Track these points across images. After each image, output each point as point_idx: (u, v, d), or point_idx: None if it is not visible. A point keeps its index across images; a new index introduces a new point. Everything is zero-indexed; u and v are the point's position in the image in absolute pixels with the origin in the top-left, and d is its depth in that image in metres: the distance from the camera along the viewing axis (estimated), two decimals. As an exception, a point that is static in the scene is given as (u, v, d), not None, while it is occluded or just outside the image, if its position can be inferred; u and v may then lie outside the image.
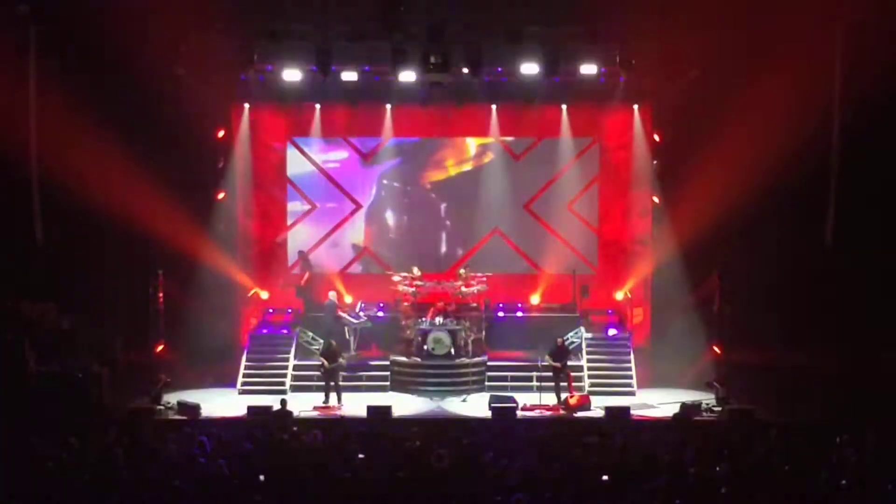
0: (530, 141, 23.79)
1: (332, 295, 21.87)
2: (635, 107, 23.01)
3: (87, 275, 20.76)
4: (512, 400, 19.12)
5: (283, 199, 23.86)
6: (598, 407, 19.22)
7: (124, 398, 19.20)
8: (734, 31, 19.46)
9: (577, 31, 20.30)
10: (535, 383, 19.90)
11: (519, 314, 23.02)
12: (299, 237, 23.84)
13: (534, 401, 19.40)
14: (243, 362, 21.15)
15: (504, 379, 20.75)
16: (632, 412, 18.54)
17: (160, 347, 20.12)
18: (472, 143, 23.96)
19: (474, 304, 22.00)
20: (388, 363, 21.19)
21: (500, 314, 22.86)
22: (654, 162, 22.80)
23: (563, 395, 19.48)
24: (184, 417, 18.37)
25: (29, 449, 13.07)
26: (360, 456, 12.99)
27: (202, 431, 14.30)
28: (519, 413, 18.66)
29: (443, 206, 24.08)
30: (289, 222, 23.87)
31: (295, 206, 23.83)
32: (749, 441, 14.38)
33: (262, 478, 11.83)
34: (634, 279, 23.14)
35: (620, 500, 11.04)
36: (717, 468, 12.24)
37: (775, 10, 19.04)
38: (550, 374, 19.64)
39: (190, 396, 19.52)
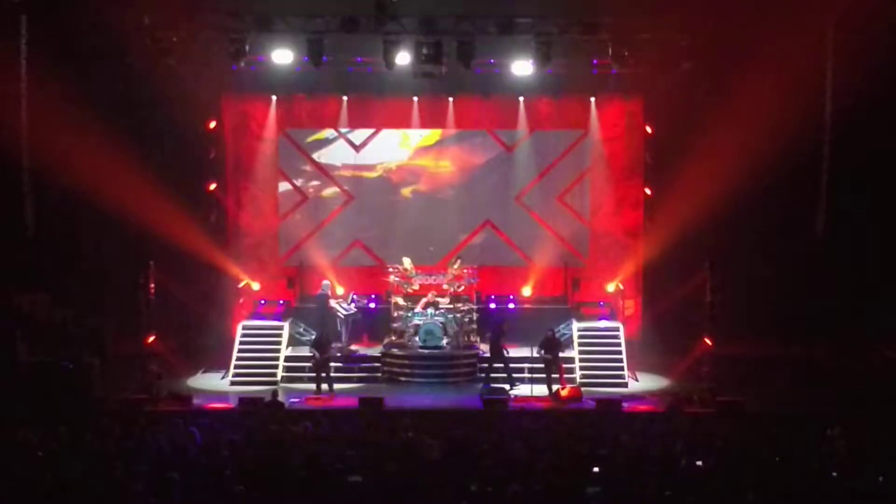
0: (522, 133, 23.79)
1: (324, 285, 21.79)
2: (627, 99, 23.03)
3: (79, 266, 20.70)
4: (504, 392, 19.17)
5: (273, 190, 23.83)
6: (589, 399, 19.27)
7: (116, 389, 19.16)
8: (726, 23, 19.47)
9: (569, 22, 20.29)
10: (526, 375, 19.92)
11: (511, 306, 23.01)
12: (291, 228, 23.83)
13: (525, 393, 19.43)
14: (234, 353, 21.16)
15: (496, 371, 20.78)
16: (623, 404, 18.58)
17: (151, 338, 20.06)
18: (463, 135, 23.92)
19: (465, 297, 22.01)
20: (379, 355, 21.21)
21: (492, 306, 22.85)
22: (646, 154, 22.84)
23: (555, 387, 19.51)
24: (175, 408, 18.35)
25: (20, 440, 13.05)
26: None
27: (193, 422, 14.29)
28: (511, 405, 18.69)
29: (434, 198, 24.03)
30: (280, 213, 23.84)
31: (286, 197, 23.81)
32: (740, 433, 14.43)
33: (252, 469, 11.81)
34: (626, 271, 23.17)
35: (611, 492, 11.06)
36: (708, 460, 12.27)
37: (767, 3, 19.06)
38: (542, 366, 19.68)
39: (181, 387, 19.50)
